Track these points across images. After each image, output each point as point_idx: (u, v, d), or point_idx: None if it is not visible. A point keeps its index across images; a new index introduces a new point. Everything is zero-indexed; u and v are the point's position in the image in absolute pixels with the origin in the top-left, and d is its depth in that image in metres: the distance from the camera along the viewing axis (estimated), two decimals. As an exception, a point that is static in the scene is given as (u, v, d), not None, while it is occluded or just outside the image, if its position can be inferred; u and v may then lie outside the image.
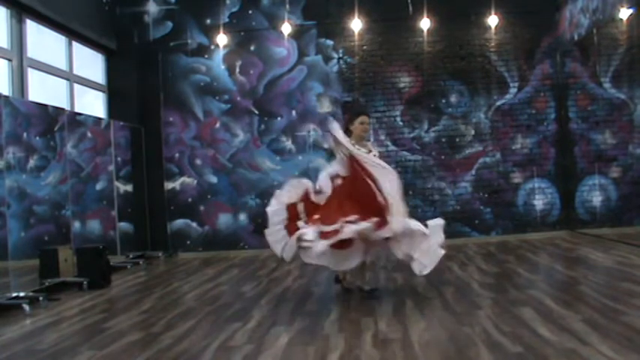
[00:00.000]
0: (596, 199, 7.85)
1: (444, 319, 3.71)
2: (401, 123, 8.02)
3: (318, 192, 4.68)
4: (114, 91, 8.10)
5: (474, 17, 7.99)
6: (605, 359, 2.76)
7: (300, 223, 4.46)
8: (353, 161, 4.52)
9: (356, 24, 7.90)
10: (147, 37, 8.22)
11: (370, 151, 4.74)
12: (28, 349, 3.56)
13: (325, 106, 8.07)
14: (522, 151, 7.98)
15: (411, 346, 3.17)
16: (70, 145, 6.32)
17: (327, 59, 8.09)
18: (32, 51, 6.27)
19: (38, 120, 5.84)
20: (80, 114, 6.81)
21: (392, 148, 7.99)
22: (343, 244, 4.22)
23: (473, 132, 8.00)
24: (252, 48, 8.15)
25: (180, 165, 8.16)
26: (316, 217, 4.44)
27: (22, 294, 4.94)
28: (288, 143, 8.06)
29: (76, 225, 6.32)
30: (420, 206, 7.91)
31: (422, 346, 3.17)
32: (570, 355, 2.85)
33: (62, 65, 7.04)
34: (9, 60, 5.96)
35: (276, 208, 4.56)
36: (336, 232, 4.19)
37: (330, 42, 8.08)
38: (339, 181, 4.61)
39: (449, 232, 7.70)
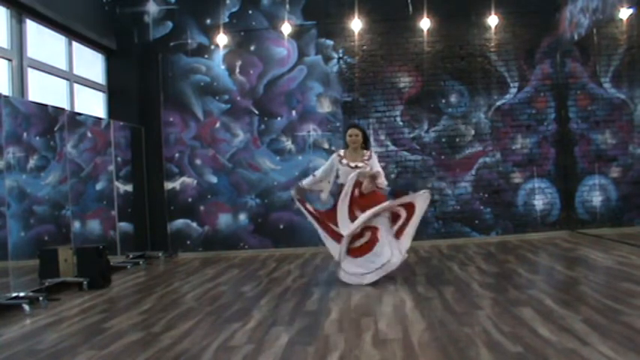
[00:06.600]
0: (596, 199, 7.84)
1: (444, 319, 3.71)
2: (401, 123, 8.02)
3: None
4: (114, 91, 8.10)
5: (474, 17, 7.99)
6: (605, 359, 2.76)
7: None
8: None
9: (356, 24, 7.90)
10: (147, 37, 8.22)
11: (356, 166, 5.22)
12: (28, 349, 3.55)
13: (325, 106, 8.07)
14: (522, 151, 7.98)
15: (411, 346, 3.17)
16: (70, 145, 6.32)
17: (327, 59, 8.08)
18: (32, 51, 6.27)
19: (38, 120, 5.84)
20: (80, 114, 6.81)
21: (392, 148, 7.99)
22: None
23: (473, 132, 8.00)
24: (252, 48, 8.14)
25: (180, 165, 8.15)
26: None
27: (22, 294, 4.94)
28: (288, 143, 8.05)
29: (76, 225, 6.32)
30: (420, 206, 7.90)
31: (422, 346, 3.17)
32: (570, 355, 2.85)
33: (62, 65, 7.03)
34: (9, 60, 5.96)
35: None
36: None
37: (330, 42, 8.08)
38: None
39: (449, 232, 7.87)
